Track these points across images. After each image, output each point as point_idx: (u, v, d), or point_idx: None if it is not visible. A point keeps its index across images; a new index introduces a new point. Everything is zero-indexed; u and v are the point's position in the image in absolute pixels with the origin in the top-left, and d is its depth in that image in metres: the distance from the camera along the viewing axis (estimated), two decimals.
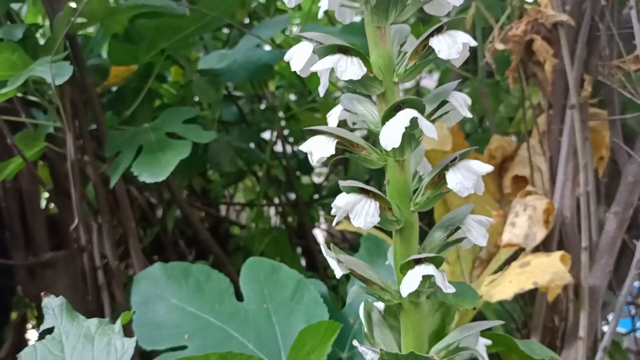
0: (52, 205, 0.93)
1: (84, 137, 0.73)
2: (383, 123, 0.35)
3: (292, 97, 1.23)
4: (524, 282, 0.56)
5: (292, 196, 1.27)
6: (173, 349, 0.56)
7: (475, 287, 0.65)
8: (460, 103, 0.37)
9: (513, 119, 1.07)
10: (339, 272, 0.36)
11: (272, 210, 1.35)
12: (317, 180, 1.48)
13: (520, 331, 0.77)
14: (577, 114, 0.63)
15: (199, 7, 0.73)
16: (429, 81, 1.36)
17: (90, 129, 0.76)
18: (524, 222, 0.61)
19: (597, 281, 0.63)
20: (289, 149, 1.22)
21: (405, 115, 0.33)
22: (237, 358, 0.37)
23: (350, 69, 0.34)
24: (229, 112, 1.11)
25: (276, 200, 1.30)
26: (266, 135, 1.27)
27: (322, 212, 1.42)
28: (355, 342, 0.37)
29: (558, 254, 0.58)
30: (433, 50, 0.35)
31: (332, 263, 0.37)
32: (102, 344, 0.39)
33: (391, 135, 0.33)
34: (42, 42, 0.91)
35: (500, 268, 0.65)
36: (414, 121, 0.33)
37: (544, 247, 0.65)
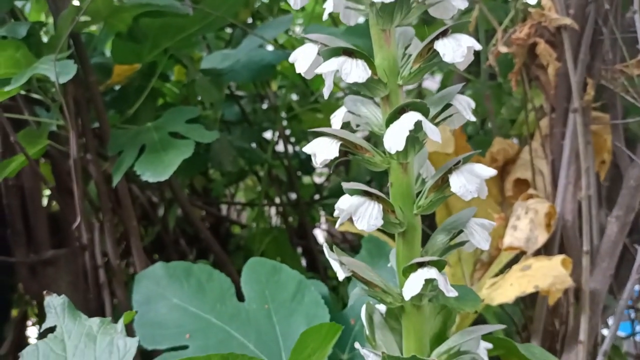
0: (53, 203, 0.93)
1: (86, 136, 0.73)
2: (387, 126, 0.35)
3: (294, 97, 1.23)
4: (525, 285, 0.56)
5: (293, 196, 1.27)
6: (174, 349, 0.56)
7: (476, 290, 0.65)
8: (464, 106, 0.37)
9: (515, 121, 1.07)
10: (341, 275, 0.36)
11: (273, 210, 1.35)
12: (318, 180, 1.48)
13: (520, 334, 0.77)
14: (580, 118, 0.63)
15: (202, 7, 0.73)
16: (432, 82, 1.36)
17: (93, 127, 0.76)
18: (526, 225, 0.61)
19: (597, 285, 0.63)
20: (290, 148, 1.22)
21: (410, 119, 0.33)
22: (238, 359, 0.37)
23: (355, 71, 0.34)
24: (231, 112, 1.11)
25: (277, 200, 1.30)
26: (268, 135, 1.27)
27: (322, 213, 1.42)
28: (357, 345, 0.38)
29: (559, 258, 0.58)
30: (438, 53, 0.35)
31: (335, 265, 0.37)
32: (105, 343, 0.39)
33: (395, 138, 0.33)
34: (45, 39, 0.91)
35: (502, 271, 0.65)
36: (418, 124, 0.33)
37: (545, 250, 0.65)
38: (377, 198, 0.34)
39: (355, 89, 0.38)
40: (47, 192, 0.88)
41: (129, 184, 0.82)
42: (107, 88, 0.80)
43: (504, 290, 0.58)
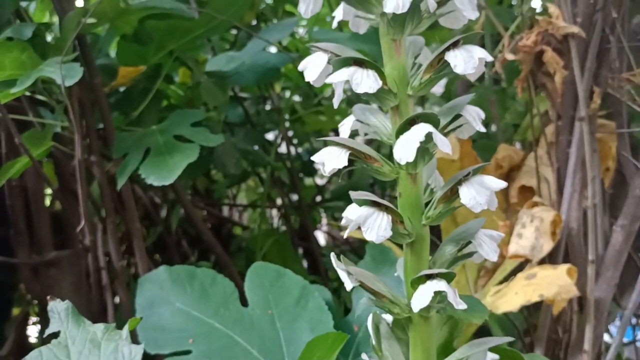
0: (56, 202, 0.93)
1: (91, 137, 0.73)
2: (397, 136, 0.34)
3: (297, 98, 1.23)
4: (530, 294, 0.56)
5: (295, 197, 1.27)
6: (177, 354, 0.56)
7: (480, 297, 0.65)
8: (474, 117, 0.37)
9: (518, 126, 1.07)
10: (349, 285, 0.36)
11: (274, 211, 1.35)
12: (319, 181, 1.48)
13: (522, 339, 0.77)
14: (587, 127, 0.63)
15: (208, 11, 0.72)
16: (436, 86, 1.36)
17: (97, 128, 0.76)
18: (531, 233, 0.61)
19: (602, 294, 0.63)
20: (292, 150, 1.22)
21: (420, 130, 0.33)
22: None
23: (366, 82, 0.34)
24: (235, 114, 1.11)
25: (279, 201, 1.30)
26: (270, 136, 1.27)
27: (324, 214, 1.41)
28: (364, 356, 0.37)
29: (565, 267, 0.58)
30: (448, 64, 0.35)
31: (342, 275, 0.37)
32: (109, 350, 0.39)
33: (405, 149, 0.33)
34: (49, 37, 0.91)
35: (506, 279, 0.64)
36: (428, 136, 0.33)
37: (549, 258, 0.64)
38: (386, 209, 0.34)
39: (364, 98, 0.38)
40: (50, 191, 0.88)
41: (132, 184, 0.82)
42: (111, 90, 0.80)
43: (509, 298, 0.58)
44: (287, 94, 1.29)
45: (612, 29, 0.66)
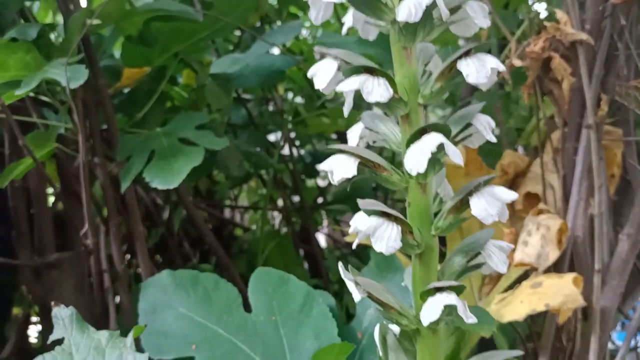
0: (59, 202, 0.93)
1: (94, 139, 0.73)
2: (407, 146, 0.34)
3: (300, 99, 1.23)
4: (535, 303, 0.56)
5: (296, 198, 1.27)
6: None
7: (484, 305, 0.64)
8: (485, 126, 0.37)
9: (521, 130, 1.06)
10: (357, 296, 0.35)
11: (275, 212, 1.34)
12: (321, 183, 1.48)
13: (525, 346, 0.77)
14: (594, 135, 0.62)
15: (214, 14, 0.72)
16: None
17: (101, 129, 0.76)
18: (537, 241, 0.61)
19: (607, 303, 0.62)
20: (295, 151, 1.22)
21: (432, 141, 0.32)
22: None
23: (377, 90, 0.33)
24: (238, 115, 1.10)
25: (280, 202, 1.30)
26: (272, 137, 1.26)
27: (325, 215, 1.41)
28: None
29: (571, 276, 0.58)
30: (459, 72, 0.35)
31: (350, 286, 0.36)
32: (113, 357, 0.38)
33: (416, 160, 0.33)
34: (52, 36, 0.91)
35: (511, 286, 0.64)
36: (440, 146, 0.32)
37: (554, 266, 0.64)
38: (396, 219, 0.34)
39: (372, 104, 0.37)
40: (52, 191, 0.87)
41: (134, 185, 0.82)
42: (116, 91, 0.79)
43: (514, 307, 0.57)
44: (290, 95, 1.29)
45: (620, 36, 0.66)
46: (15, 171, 0.65)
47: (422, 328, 0.36)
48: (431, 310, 0.32)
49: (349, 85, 0.33)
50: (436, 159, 0.34)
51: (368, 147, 0.41)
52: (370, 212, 0.34)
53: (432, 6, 0.33)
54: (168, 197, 1.03)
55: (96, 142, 0.73)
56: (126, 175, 0.65)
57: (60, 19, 0.87)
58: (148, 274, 0.75)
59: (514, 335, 0.78)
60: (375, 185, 1.20)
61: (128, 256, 1.01)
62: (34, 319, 1.03)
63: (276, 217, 1.45)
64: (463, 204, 0.35)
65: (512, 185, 0.75)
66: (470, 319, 0.32)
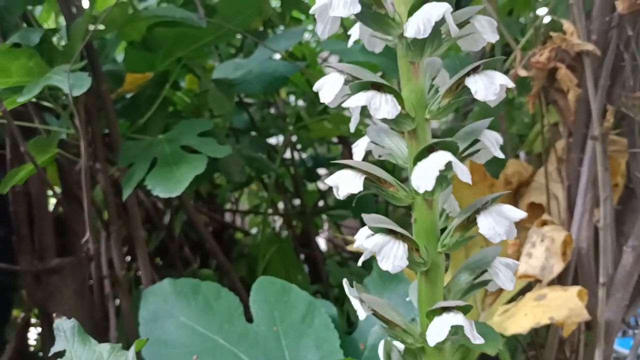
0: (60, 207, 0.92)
1: (96, 144, 0.72)
2: (414, 163, 0.34)
3: (301, 102, 1.22)
4: (539, 316, 0.55)
5: (297, 201, 1.26)
6: None
7: (487, 316, 0.64)
8: (492, 142, 0.36)
9: (523, 136, 1.06)
10: (362, 314, 0.35)
11: (276, 216, 1.34)
12: (322, 186, 1.47)
13: (526, 354, 0.76)
14: (600, 146, 0.62)
15: (217, 20, 0.72)
16: None
17: (103, 134, 0.75)
18: (541, 253, 0.60)
19: (612, 316, 0.62)
20: (296, 155, 1.22)
21: (440, 159, 0.32)
22: None
23: (385, 107, 0.33)
24: (240, 119, 1.10)
25: (280, 205, 1.29)
26: (273, 140, 1.26)
27: (325, 218, 1.41)
28: None
29: (575, 289, 0.57)
30: (467, 88, 0.34)
31: (355, 303, 0.36)
32: None
33: (424, 178, 0.32)
34: (55, 38, 0.90)
35: (514, 298, 0.64)
36: (448, 165, 0.32)
37: (558, 278, 0.64)
38: (402, 237, 0.33)
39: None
40: (53, 194, 0.87)
41: (135, 189, 0.81)
42: (118, 96, 0.79)
43: (518, 319, 0.57)
44: (292, 98, 1.28)
45: (627, 47, 0.65)
46: (16, 177, 0.64)
47: (427, 346, 0.35)
48: (438, 331, 0.32)
49: (356, 102, 0.33)
50: (443, 177, 0.33)
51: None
52: (376, 230, 0.34)
53: (441, 22, 0.33)
54: (169, 201, 1.03)
55: (98, 148, 0.73)
56: (128, 182, 0.64)
57: (62, 20, 0.87)
58: (148, 279, 0.75)
59: (516, 344, 0.77)
60: None
61: (128, 258, 1.00)
62: (33, 320, 1.03)
63: (277, 221, 1.44)
64: (470, 222, 0.35)
65: (516, 194, 0.74)
66: (477, 339, 0.31)
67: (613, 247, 0.67)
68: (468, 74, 0.34)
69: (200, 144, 0.66)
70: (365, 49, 0.73)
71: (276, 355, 0.56)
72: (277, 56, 0.97)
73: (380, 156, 0.40)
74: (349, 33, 0.40)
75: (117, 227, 0.74)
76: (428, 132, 0.36)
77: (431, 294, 0.36)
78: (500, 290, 0.67)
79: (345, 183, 0.35)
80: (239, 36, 1.09)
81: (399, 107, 0.33)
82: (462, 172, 0.32)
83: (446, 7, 0.32)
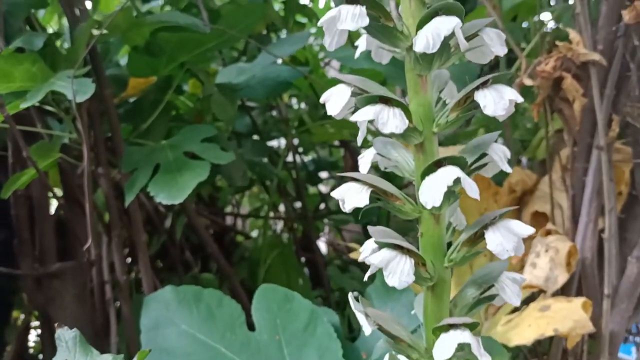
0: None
1: (99, 149, 0.72)
2: (422, 178, 0.33)
3: (303, 105, 1.22)
4: (544, 327, 0.55)
5: (298, 204, 1.26)
6: None
7: (490, 326, 0.64)
8: (501, 157, 0.36)
9: (525, 142, 1.05)
10: (367, 329, 0.35)
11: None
12: (324, 189, 1.47)
13: None
14: (605, 156, 0.62)
15: (221, 27, 0.71)
16: None
17: (105, 138, 0.75)
18: (546, 263, 0.60)
19: (616, 327, 0.62)
20: (298, 159, 1.21)
21: (448, 175, 0.32)
22: None
23: (392, 121, 0.33)
24: (242, 123, 1.10)
25: (281, 208, 1.29)
26: (274, 143, 1.26)
27: (326, 221, 1.40)
28: None
29: (580, 301, 0.57)
30: (476, 102, 0.34)
31: (360, 318, 0.35)
32: None
33: (432, 193, 0.32)
34: (58, 41, 0.90)
35: (517, 308, 0.63)
36: (457, 180, 0.32)
37: (562, 288, 0.63)
38: (409, 252, 0.33)
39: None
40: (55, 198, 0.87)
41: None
42: (121, 101, 0.79)
43: (522, 330, 0.57)
44: (294, 100, 1.28)
45: (633, 56, 0.65)
46: (18, 182, 0.64)
47: None
48: (444, 348, 0.31)
49: (363, 116, 0.33)
50: (451, 192, 0.33)
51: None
52: (382, 245, 0.34)
53: (450, 36, 0.32)
54: (171, 204, 1.03)
55: (100, 152, 0.72)
56: (130, 188, 0.64)
57: (66, 21, 0.86)
58: (149, 284, 0.75)
59: (517, 352, 0.77)
60: None
61: (129, 259, 1.00)
62: (33, 322, 1.02)
63: (277, 223, 1.44)
64: (477, 237, 0.34)
65: (520, 203, 0.74)
66: (484, 357, 0.31)
67: (616, 255, 0.67)
68: (477, 88, 0.34)
69: (203, 150, 0.66)
70: (370, 56, 0.73)
71: None
72: (280, 60, 0.97)
73: (386, 168, 0.40)
74: (355, 44, 0.40)
75: (119, 231, 0.74)
76: (435, 145, 0.36)
77: (437, 309, 0.35)
78: None
79: (351, 196, 0.35)
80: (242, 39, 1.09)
81: (407, 121, 0.33)
82: (471, 188, 0.32)
83: (456, 22, 0.31)
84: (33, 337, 1.08)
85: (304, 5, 1.17)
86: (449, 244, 0.37)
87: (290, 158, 1.15)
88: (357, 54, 0.39)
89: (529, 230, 0.33)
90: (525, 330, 0.56)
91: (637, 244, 0.65)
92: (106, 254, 0.76)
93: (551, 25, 0.90)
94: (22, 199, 0.78)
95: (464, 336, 0.31)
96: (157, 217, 1.01)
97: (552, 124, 0.76)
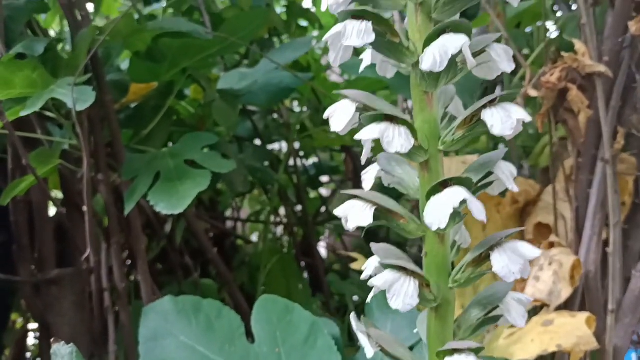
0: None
1: (99, 155, 0.72)
2: (427, 198, 0.33)
3: (305, 108, 1.21)
4: (547, 343, 0.54)
5: (298, 207, 1.25)
6: None
7: (492, 339, 0.63)
8: (507, 175, 0.35)
9: (527, 148, 1.05)
10: (370, 351, 0.34)
11: (278, 220, 1.33)
12: (325, 192, 1.46)
13: None
14: (610, 170, 0.61)
15: (224, 35, 0.71)
16: None
17: (106, 145, 0.74)
18: (549, 277, 0.59)
19: (619, 342, 0.61)
20: (299, 162, 1.21)
21: (454, 196, 0.31)
22: None
23: (398, 140, 0.32)
24: (243, 128, 1.09)
25: (282, 211, 1.28)
26: (276, 146, 1.25)
27: (327, 225, 1.40)
28: None
29: (584, 316, 0.56)
30: (483, 121, 0.33)
31: (362, 339, 0.35)
32: None
33: (438, 215, 0.31)
34: (59, 45, 0.89)
35: None
36: (463, 202, 0.31)
37: (565, 302, 0.63)
38: (413, 274, 0.33)
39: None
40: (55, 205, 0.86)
41: None
42: (122, 106, 0.78)
43: (525, 345, 0.56)
44: (296, 104, 1.27)
45: (639, 68, 0.64)
46: (18, 189, 0.64)
47: None
48: None
49: (368, 134, 0.32)
50: (457, 212, 0.33)
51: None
52: (386, 266, 0.33)
53: (458, 54, 0.32)
54: None
55: (100, 159, 0.72)
56: (130, 197, 0.63)
57: (67, 24, 0.86)
58: (149, 292, 0.74)
59: None
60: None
61: (129, 262, 0.99)
62: (32, 325, 1.02)
63: (278, 226, 1.44)
64: (483, 258, 0.34)
65: (523, 214, 0.73)
66: None
67: (621, 267, 0.66)
68: (484, 107, 0.33)
69: (204, 159, 0.65)
70: (373, 65, 0.72)
71: None
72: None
73: (389, 185, 0.39)
74: (360, 57, 0.39)
75: (118, 238, 0.73)
76: (441, 163, 0.35)
77: (441, 331, 0.35)
78: None
79: (354, 215, 0.34)
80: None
81: (412, 140, 0.32)
82: (477, 210, 0.31)
83: (464, 41, 0.31)
84: (32, 339, 1.08)
85: (307, 10, 1.16)
86: (453, 263, 0.36)
87: (291, 162, 1.14)
88: (362, 68, 0.38)
89: (535, 252, 0.32)
90: (528, 345, 0.56)
91: None
92: (105, 261, 0.76)
93: (556, 33, 0.89)
94: (21, 204, 0.77)
95: None
96: (157, 222, 1.01)
97: (556, 134, 0.76)
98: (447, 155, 0.77)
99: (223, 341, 0.57)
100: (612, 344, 0.60)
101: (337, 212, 0.35)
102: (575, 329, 0.55)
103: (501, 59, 0.35)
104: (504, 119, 0.32)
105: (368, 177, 0.38)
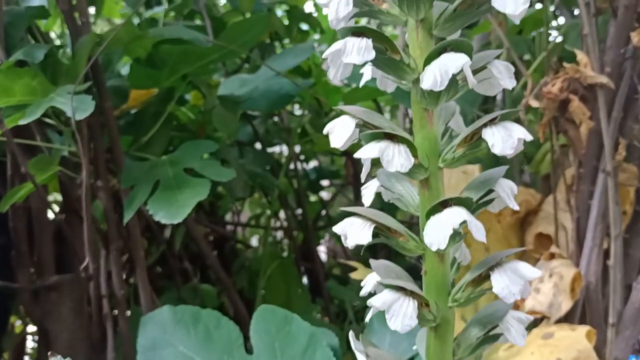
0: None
1: (98, 162, 0.71)
2: (427, 217, 0.32)
3: (307, 112, 1.21)
4: (547, 356, 0.54)
5: (298, 210, 1.25)
6: None
7: (492, 351, 0.63)
8: (508, 193, 0.35)
9: (528, 154, 1.04)
10: None
11: (277, 223, 1.33)
12: (325, 195, 1.46)
13: None
14: (612, 182, 0.61)
15: (223, 43, 0.70)
16: None
17: (105, 151, 0.74)
18: (549, 289, 0.59)
19: (620, 354, 0.61)
20: (300, 166, 1.21)
21: (454, 217, 0.31)
22: None
23: (397, 159, 0.32)
24: (244, 132, 1.09)
25: (282, 215, 1.28)
26: (276, 149, 1.25)
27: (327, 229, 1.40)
28: None
29: (584, 330, 0.56)
30: (484, 139, 0.33)
31: (361, 358, 0.35)
32: None
33: (437, 235, 0.31)
34: (60, 50, 0.89)
35: None
36: (463, 223, 0.31)
37: (565, 314, 0.62)
38: (412, 294, 0.32)
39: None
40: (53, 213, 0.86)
41: None
42: (122, 112, 0.78)
43: (524, 357, 0.56)
44: (297, 107, 1.27)
45: None
46: (16, 196, 0.63)
47: None
48: None
49: (368, 154, 0.32)
50: (457, 232, 0.32)
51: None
52: (385, 286, 0.33)
53: (459, 73, 0.31)
54: None
55: (100, 166, 0.71)
56: (129, 205, 0.63)
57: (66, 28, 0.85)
58: (147, 299, 0.74)
59: None
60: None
61: (128, 265, 0.99)
62: (31, 328, 1.02)
63: (278, 229, 1.43)
64: (483, 278, 0.34)
65: (524, 223, 0.73)
66: None
67: (621, 278, 0.66)
68: (485, 125, 0.33)
69: (204, 167, 0.65)
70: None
71: None
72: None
73: (389, 200, 0.39)
74: (360, 72, 0.39)
75: (117, 245, 0.73)
76: (441, 181, 0.35)
77: (440, 350, 0.34)
78: None
79: (354, 233, 0.34)
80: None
81: (412, 159, 0.32)
82: (478, 231, 0.31)
83: (465, 60, 0.30)
84: (30, 342, 1.08)
85: (308, 14, 1.16)
86: (454, 281, 0.36)
87: (292, 166, 1.14)
88: (362, 82, 0.38)
89: (536, 273, 0.32)
90: (528, 357, 0.55)
91: None
92: (104, 267, 0.76)
93: (558, 39, 0.89)
94: (20, 210, 0.77)
95: None
96: (156, 226, 1.01)
97: (557, 143, 0.75)
98: None
99: (222, 352, 0.57)
100: (613, 356, 0.60)
101: (336, 229, 0.35)
102: (575, 342, 0.54)
103: (502, 75, 0.34)
104: (505, 138, 0.32)
105: (368, 192, 0.38)
